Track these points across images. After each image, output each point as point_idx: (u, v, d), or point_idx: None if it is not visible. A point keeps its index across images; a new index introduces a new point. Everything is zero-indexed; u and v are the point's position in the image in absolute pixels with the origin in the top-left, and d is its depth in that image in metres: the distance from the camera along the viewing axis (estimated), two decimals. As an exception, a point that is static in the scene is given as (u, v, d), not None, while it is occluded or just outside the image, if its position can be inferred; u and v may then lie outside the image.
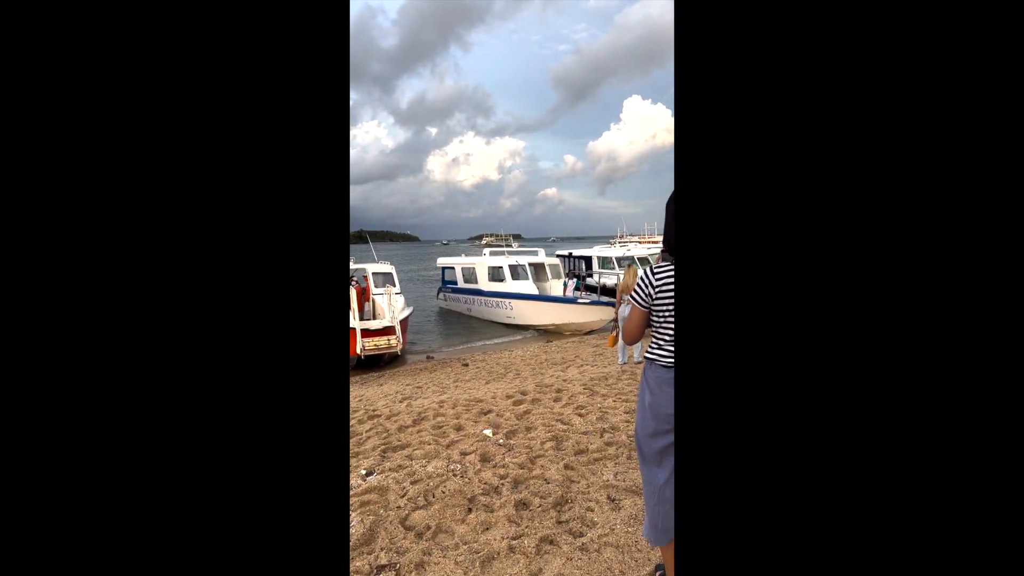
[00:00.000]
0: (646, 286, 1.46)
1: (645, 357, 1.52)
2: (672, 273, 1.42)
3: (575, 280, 12.32)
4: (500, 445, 3.12)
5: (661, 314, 1.45)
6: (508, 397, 4.48)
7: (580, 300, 10.66)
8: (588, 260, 17.57)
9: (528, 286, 12.11)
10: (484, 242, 20.44)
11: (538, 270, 13.28)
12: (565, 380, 5.23)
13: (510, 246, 16.46)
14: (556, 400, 4.26)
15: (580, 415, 3.67)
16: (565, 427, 3.40)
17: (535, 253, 13.97)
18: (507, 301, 11.93)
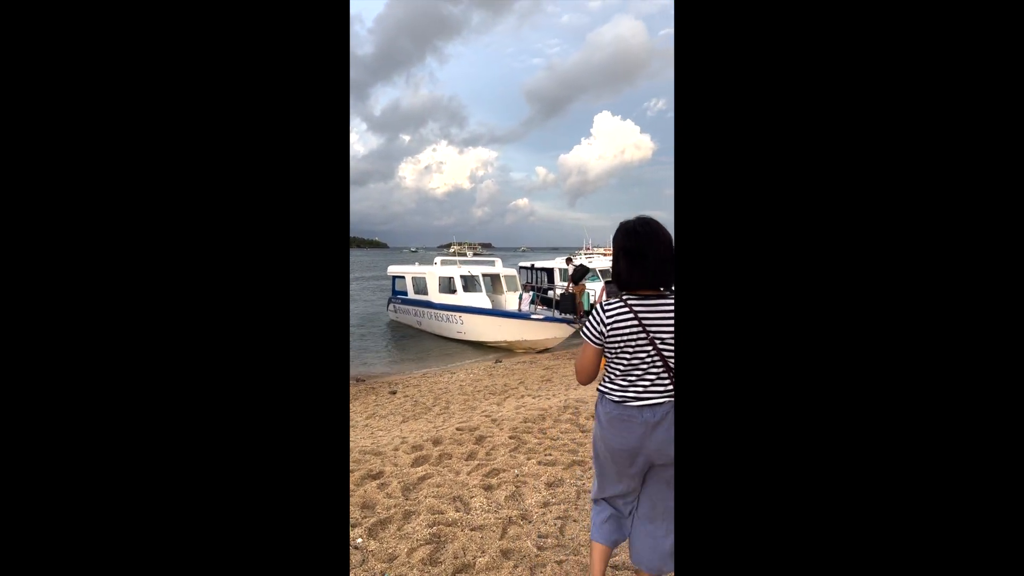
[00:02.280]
0: (598, 323, 1.44)
1: (598, 390, 1.53)
2: (622, 309, 1.42)
3: (531, 293, 11.43)
4: (355, 549, 2.13)
5: (612, 350, 1.45)
6: (413, 449, 3.50)
7: (534, 316, 9.78)
8: (550, 272, 16.79)
9: (481, 299, 11.15)
10: (452, 250, 19.80)
11: (494, 282, 12.35)
12: (494, 420, 4.29)
13: (478, 254, 15.55)
14: (469, 457, 3.31)
15: (486, 490, 2.72)
16: (458, 514, 2.44)
17: (491, 263, 13.05)
18: (458, 315, 10.93)
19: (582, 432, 3.75)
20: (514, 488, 2.71)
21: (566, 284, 10.53)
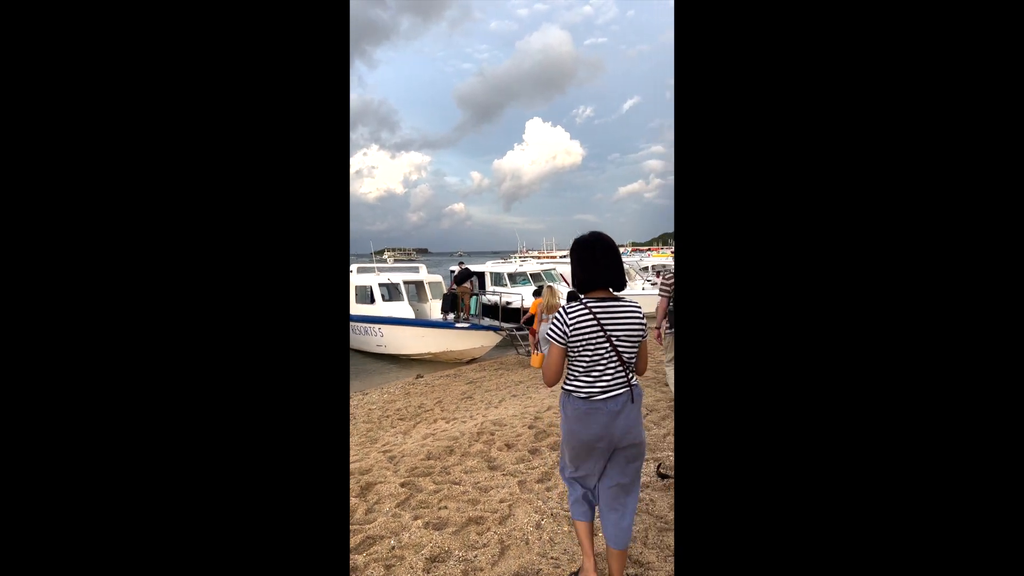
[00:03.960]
0: (563, 324, 1.59)
1: (563, 388, 1.68)
2: (582, 311, 1.59)
3: (472, 299, 10.76)
4: None
5: (574, 349, 1.60)
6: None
7: (459, 324, 9.11)
8: (481, 276, 16.22)
9: (403, 308, 10.30)
10: (387, 256, 18.80)
11: (418, 289, 11.55)
12: (392, 459, 3.59)
13: (413, 260, 14.64)
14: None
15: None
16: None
17: (415, 269, 12.23)
18: (377, 327, 10.03)
19: (491, 469, 3.15)
20: (383, 572, 2.04)
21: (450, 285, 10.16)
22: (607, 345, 1.57)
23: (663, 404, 4.29)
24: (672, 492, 2.58)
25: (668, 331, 4.00)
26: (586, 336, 1.57)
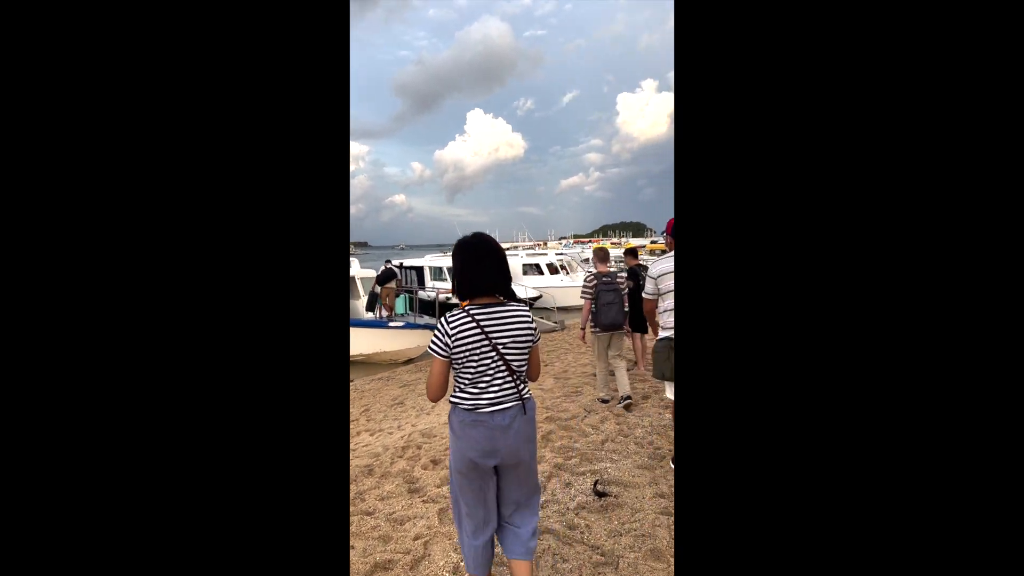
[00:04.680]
0: (443, 335, 1.49)
1: (450, 401, 1.56)
2: (465, 319, 1.48)
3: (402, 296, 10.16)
4: None
5: (459, 360, 1.49)
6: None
7: (392, 324, 8.56)
8: (420, 271, 15.59)
9: (332, 307, 9.57)
10: None
11: (349, 286, 10.83)
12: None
13: (352, 254, 13.68)
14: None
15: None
16: None
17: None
18: (303, 328, 9.24)
19: (411, 493, 2.77)
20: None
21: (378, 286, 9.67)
22: (493, 354, 1.47)
23: (602, 407, 4.07)
24: (612, 515, 2.32)
25: (594, 330, 4.09)
26: (470, 346, 1.47)
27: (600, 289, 3.97)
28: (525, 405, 1.53)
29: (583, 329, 4.19)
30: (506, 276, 1.55)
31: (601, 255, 4.42)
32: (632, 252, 5.41)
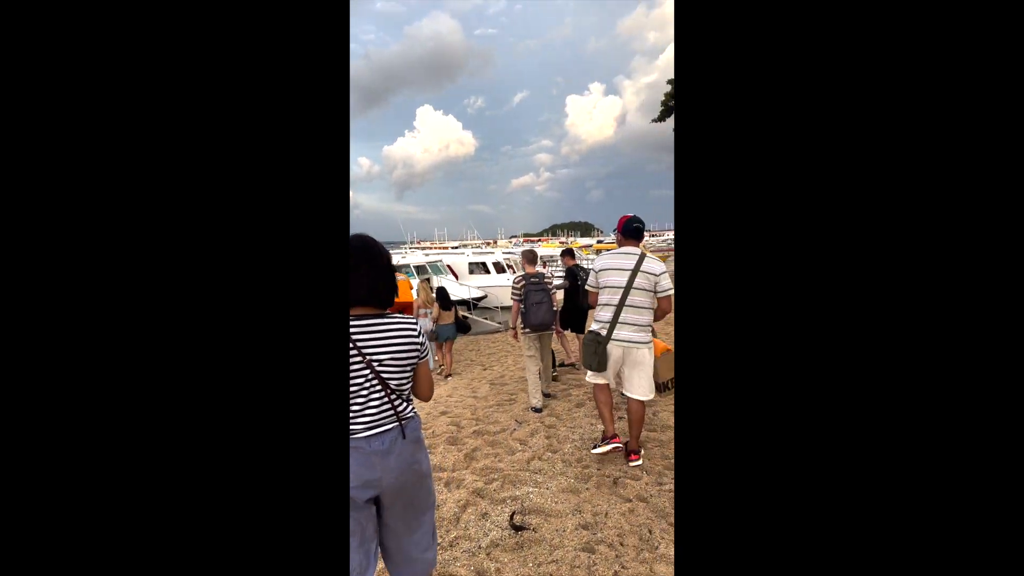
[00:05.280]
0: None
1: None
2: (371, 328, 1.36)
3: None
4: None
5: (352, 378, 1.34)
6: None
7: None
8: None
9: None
10: None
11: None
12: None
13: None
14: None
15: None
16: None
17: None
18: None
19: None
20: None
21: None
22: (367, 372, 1.32)
23: (534, 418, 3.84)
24: (527, 553, 2.06)
25: (524, 331, 4.09)
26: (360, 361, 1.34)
27: (528, 289, 4.00)
28: (405, 427, 1.36)
29: (513, 328, 4.26)
30: (389, 285, 1.38)
31: (529, 256, 4.44)
32: (569, 252, 5.46)
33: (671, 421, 3.43)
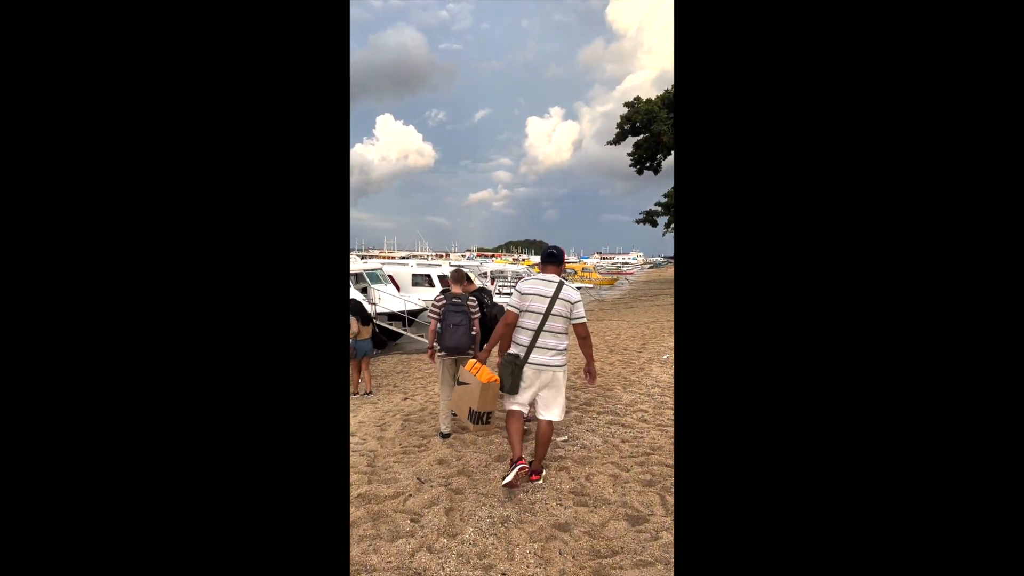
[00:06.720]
0: None
1: None
2: None
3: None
4: None
5: None
6: None
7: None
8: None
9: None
10: None
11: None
12: None
13: None
14: None
15: None
16: None
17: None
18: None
19: None
20: None
21: None
22: None
23: (438, 469, 3.10)
24: None
25: (439, 354, 3.81)
26: None
27: (447, 310, 3.62)
28: None
29: (431, 348, 3.95)
30: None
31: (456, 276, 3.89)
32: (467, 277, 4.58)
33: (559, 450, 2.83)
